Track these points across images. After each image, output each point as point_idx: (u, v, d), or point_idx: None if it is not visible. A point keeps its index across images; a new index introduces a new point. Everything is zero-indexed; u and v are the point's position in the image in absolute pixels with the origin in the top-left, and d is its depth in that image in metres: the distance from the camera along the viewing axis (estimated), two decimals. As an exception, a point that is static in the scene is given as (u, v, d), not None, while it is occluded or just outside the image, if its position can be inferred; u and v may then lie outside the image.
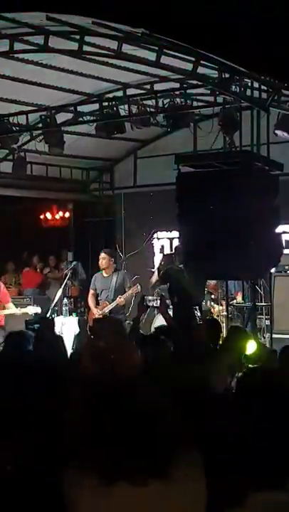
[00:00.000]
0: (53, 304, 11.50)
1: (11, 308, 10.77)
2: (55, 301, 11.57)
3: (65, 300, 12.95)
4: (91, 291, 11.74)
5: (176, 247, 12.05)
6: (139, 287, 11.16)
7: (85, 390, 3.16)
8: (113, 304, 11.22)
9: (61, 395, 3.39)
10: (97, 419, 2.62)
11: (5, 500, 2.67)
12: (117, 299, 11.17)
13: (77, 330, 12.10)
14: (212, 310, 11.76)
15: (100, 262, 11.55)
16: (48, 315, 11.33)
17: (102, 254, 11.62)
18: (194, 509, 2.59)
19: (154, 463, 2.55)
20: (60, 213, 16.93)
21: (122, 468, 2.54)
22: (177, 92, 10.37)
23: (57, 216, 17.06)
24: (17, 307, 10.78)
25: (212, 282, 12.23)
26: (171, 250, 12.95)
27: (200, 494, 2.60)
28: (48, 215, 17.07)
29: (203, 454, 2.65)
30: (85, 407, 2.74)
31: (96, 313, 11.39)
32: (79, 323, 12.17)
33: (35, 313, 10.78)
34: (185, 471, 2.58)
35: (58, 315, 12.03)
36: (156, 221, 13.35)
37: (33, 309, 10.97)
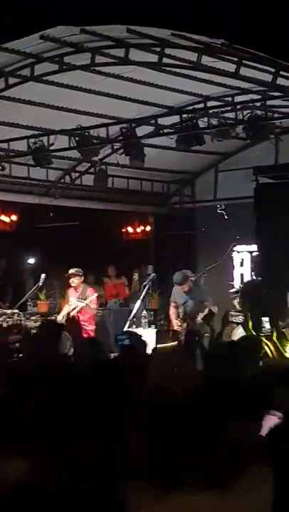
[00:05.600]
0: (131, 316, 11.51)
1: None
2: (133, 313, 11.57)
3: (144, 312, 12.94)
4: (172, 304, 11.71)
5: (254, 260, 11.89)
6: (216, 309, 11.05)
7: (151, 401, 3.17)
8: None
9: (127, 406, 3.38)
10: (160, 430, 2.62)
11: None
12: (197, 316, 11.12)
13: (154, 342, 12.07)
14: None
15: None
16: (126, 327, 11.34)
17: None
18: None
19: (216, 473, 2.50)
20: (141, 227, 16.95)
21: (183, 476, 2.51)
22: (258, 104, 10.25)
23: (138, 229, 17.08)
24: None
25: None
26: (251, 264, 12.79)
27: (264, 508, 2.53)
28: (130, 229, 17.11)
29: None
30: (150, 418, 2.73)
31: (176, 325, 11.35)
32: (157, 334, 12.12)
33: None
34: (249, 483, 2.52)
35: (136, 327, 12.03)
36: (236, 234, 13.21)
37: None
